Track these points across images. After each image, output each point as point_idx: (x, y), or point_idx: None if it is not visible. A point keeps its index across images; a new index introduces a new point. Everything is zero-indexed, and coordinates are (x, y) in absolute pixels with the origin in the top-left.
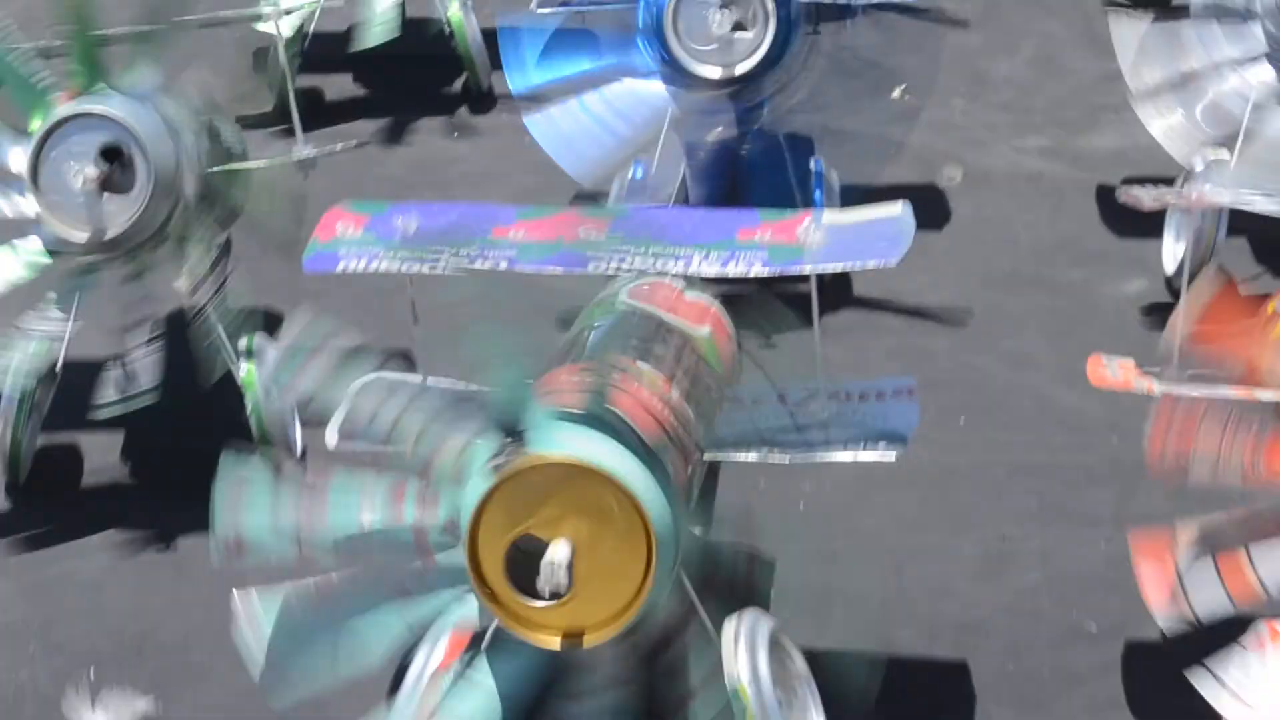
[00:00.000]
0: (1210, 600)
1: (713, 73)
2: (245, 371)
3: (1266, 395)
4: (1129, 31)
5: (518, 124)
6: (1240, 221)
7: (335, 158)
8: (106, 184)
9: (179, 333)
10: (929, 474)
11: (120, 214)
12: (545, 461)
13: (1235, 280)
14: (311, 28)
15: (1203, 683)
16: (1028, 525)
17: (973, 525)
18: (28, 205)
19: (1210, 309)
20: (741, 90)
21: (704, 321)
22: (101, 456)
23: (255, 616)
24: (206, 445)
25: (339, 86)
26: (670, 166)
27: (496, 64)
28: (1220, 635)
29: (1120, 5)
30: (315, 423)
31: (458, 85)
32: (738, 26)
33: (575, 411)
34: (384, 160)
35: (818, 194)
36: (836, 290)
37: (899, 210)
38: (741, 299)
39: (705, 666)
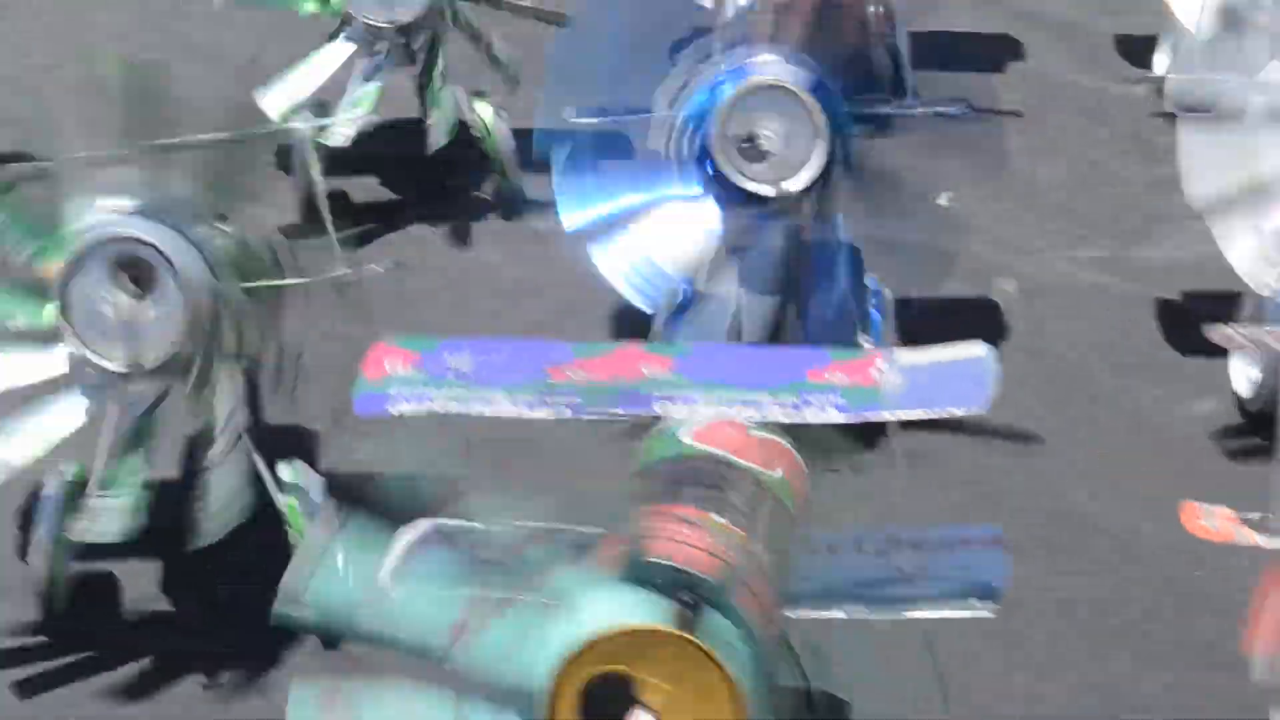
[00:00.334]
0: None
1: (765, 190)
2: (287, 505)
3: None
4: (1195, 138)
5: (550, 230)
6: None
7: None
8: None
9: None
10: (1010, 611)
11: (162, 339)
12: (637, 630)
13: None
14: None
15: None
16: (1121, 668)
17: (1062, 668)
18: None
19: None
20: (793, 204)
21: (776, 462)
22: (137, 589)
23: None
24: (249, 578)
25: (365, 188)
26: (720, 283)
27: (526, 166)
28: None
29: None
30: None
31: (486, 189)
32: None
33: (658, 580)
34: (419, 273)
35: (874, 311)
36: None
37: (980, 351)
38: (802, 428)
39: None
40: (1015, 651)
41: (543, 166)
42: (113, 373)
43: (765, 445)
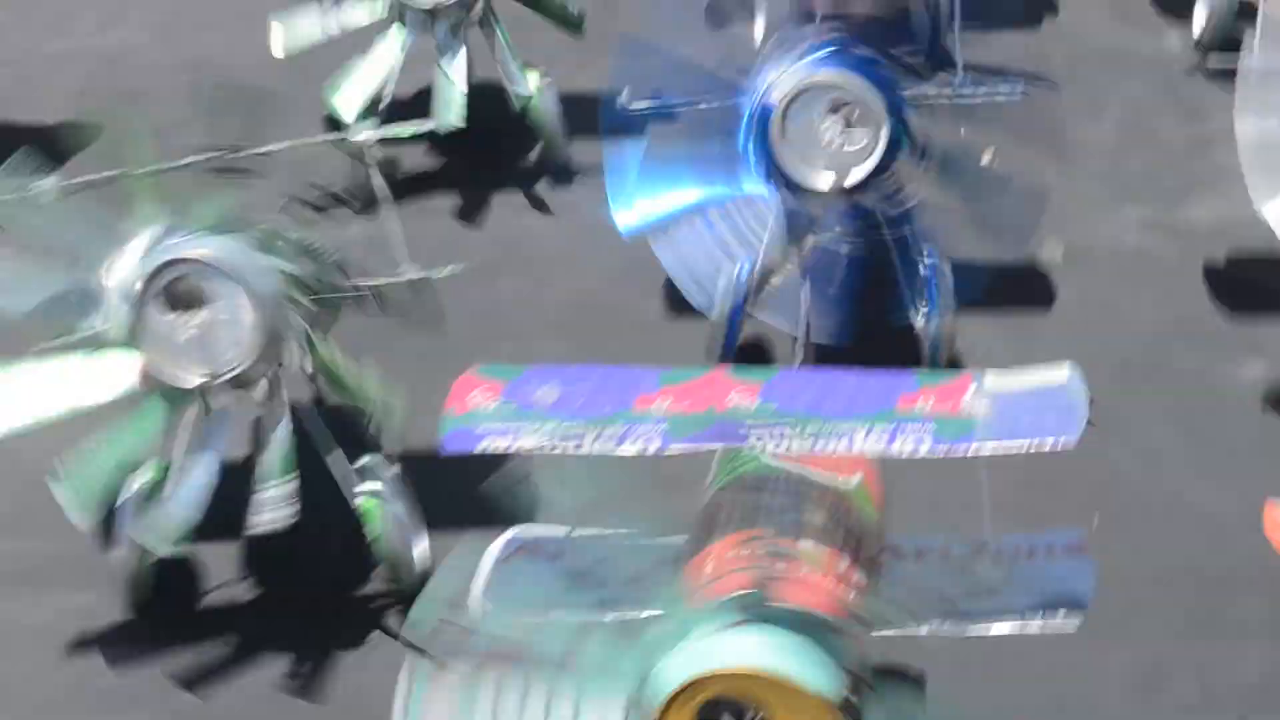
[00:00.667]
0: None
1: (824, 182)
2: (363, 500)
3: None
4: (1251, 129)
5: (596, 198)
6: None
7: (421, 239)
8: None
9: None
10: None
11: (232, 353)
12: (746, 674)
13: None
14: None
15: None
16: (1177, 638)
17: (1120, 639)
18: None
19: None
20: (854, 196)
21: (854, 470)
22: (219, 574)
23: None
24: (326, 566)
25: (414, 159)
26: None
27: (571, 135)
28: None
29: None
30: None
31: (532, 158)
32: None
33: (768, 622)
34: (468, 242)
35: (932, 292)
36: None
37: (1066, 375)
38: None
39: None
40: None
41: (587, 136)
42: (185, 388)
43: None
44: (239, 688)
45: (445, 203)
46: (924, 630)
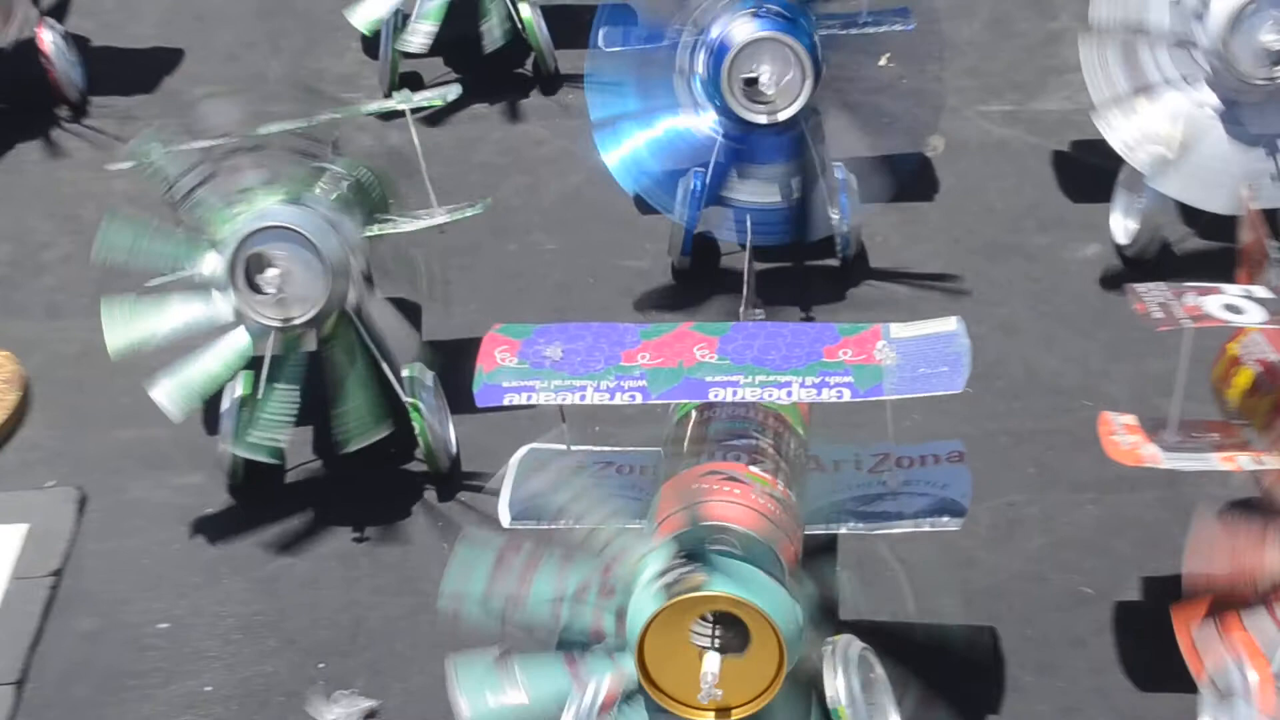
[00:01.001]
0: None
1: (761, 119)
2: (410, 404)
3: (1250, 463)
4: (1094, 52)
5: (581, 103)
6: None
7: (439, 148)
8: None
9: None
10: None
11: (307, 303)
12: (708, 596)
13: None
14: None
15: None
16: (1029, 492)
17: (985, 494)
18: (225, 305)
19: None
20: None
21: None
22: (297, 457)
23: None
24: (381, 452)
25: (432, 69)
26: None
27: (558, 45)
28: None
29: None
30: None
31: (528, 66)
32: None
33: (725, 549)
34: (480, 146)
35: (843, 198)
36: (857, 265)
37: (954, 326)
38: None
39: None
40: None
41: (571, 49)
42: (263, 324)
43: None
44: (315, 553)
45: (460, 113)
46: (841, 529)
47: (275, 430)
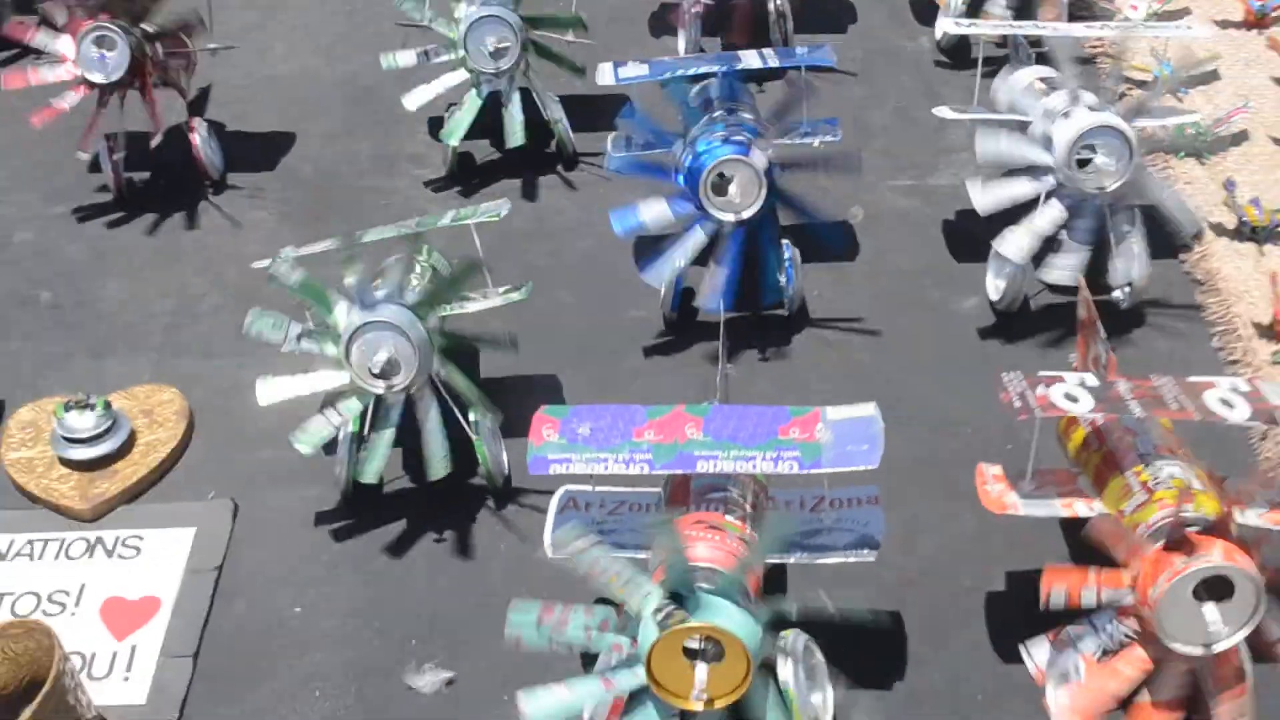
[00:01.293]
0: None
1: (729, 217)
2: (475, 440)
3: (1085, 509)
4: (987, 140)
5: (594, 180)
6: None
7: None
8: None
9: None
10: None
11: (403, 376)
12: (693, 627)
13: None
14: None
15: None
16: (929, 503)
17: (895, 504)
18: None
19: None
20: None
21: None
22: (392, 477)
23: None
24: (456, 474)
25: (480, 148)
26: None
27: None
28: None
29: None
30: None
31: (552, 146)
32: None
33: (707, 587)
34: (514, 216)
35: (789, 270)
36: (800, 316)
37: (872, 411)
38: None
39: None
40: None
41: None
42: (372, 394)
43: None
44: (405, 552)
45: (499, 191)
46: (790, 560)
47: (377, 460)
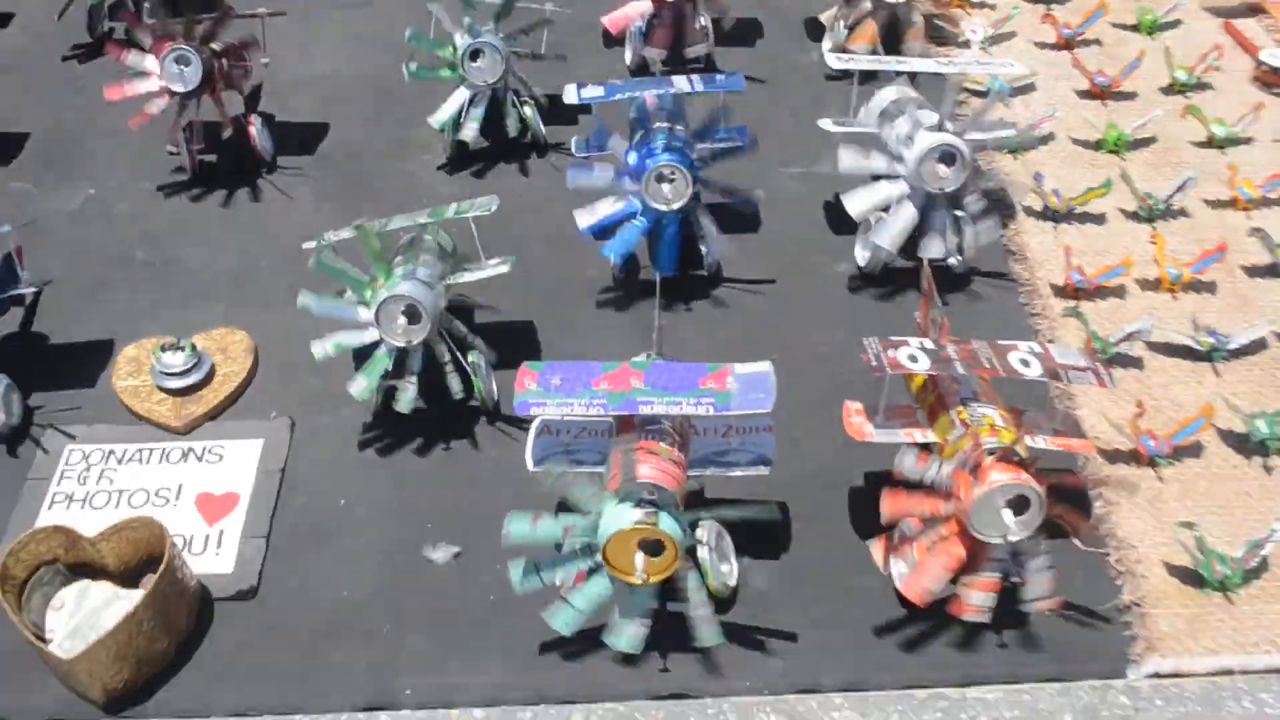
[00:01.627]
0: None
1: (665, 205)
2: (472, 370)
3: (919, 436)
4: (846, 154)
5: (564, 165)
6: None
7: (480, 193)
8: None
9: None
10: None
11: (420, 333)
12: (640, 528)
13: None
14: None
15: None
16: (810, 426)
17: (784, 428)
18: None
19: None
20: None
21: None
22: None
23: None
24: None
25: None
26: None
27: (547, 125)
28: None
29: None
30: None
31: (528, 138)
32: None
33: (629, 495)
34: (503, 193)
35: (710, 243)
36: (717, 276)
37: (768, 367)
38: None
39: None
40: None
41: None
42: (399, 346)
43: None
44: (423, 457)
45: (490, 172)
46: (705, 473)
47: (408, 395)
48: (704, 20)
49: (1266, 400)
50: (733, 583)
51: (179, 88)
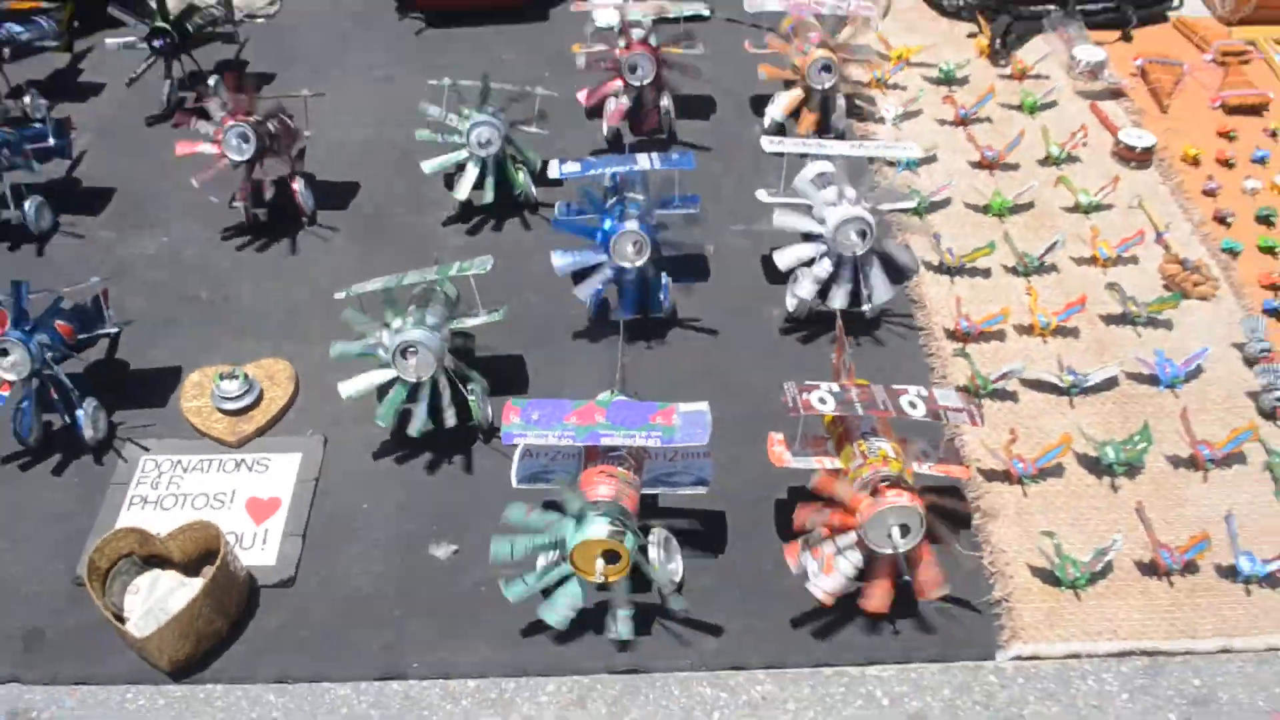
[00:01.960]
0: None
1: (628, 264)
2: (472, 401)
3: (828, 464)
4: (779, 215)
5: (545, 219)
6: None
7: (478, 244)
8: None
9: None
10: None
11: (426, 371)
12: (598, 539)
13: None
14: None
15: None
16: (742, 450)
17: (722, 450)
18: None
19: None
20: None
21: None
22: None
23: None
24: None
25: (475, 199)
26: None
27: (536, 184)
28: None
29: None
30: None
31: (518, 196)
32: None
33: (608, 513)
34: (499, 241)
35: (664, 290)
36: (672, 319)
37: (705, 407)
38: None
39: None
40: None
41: (543, 188)
42: (410, 381)
43: None
44: (430, 468)
45: (489, 226)
46: (654, 491)
47: (419, 422)
48: (665, 102)
49: (1115, 430)
50: (678, 579)
51: (237, 157)
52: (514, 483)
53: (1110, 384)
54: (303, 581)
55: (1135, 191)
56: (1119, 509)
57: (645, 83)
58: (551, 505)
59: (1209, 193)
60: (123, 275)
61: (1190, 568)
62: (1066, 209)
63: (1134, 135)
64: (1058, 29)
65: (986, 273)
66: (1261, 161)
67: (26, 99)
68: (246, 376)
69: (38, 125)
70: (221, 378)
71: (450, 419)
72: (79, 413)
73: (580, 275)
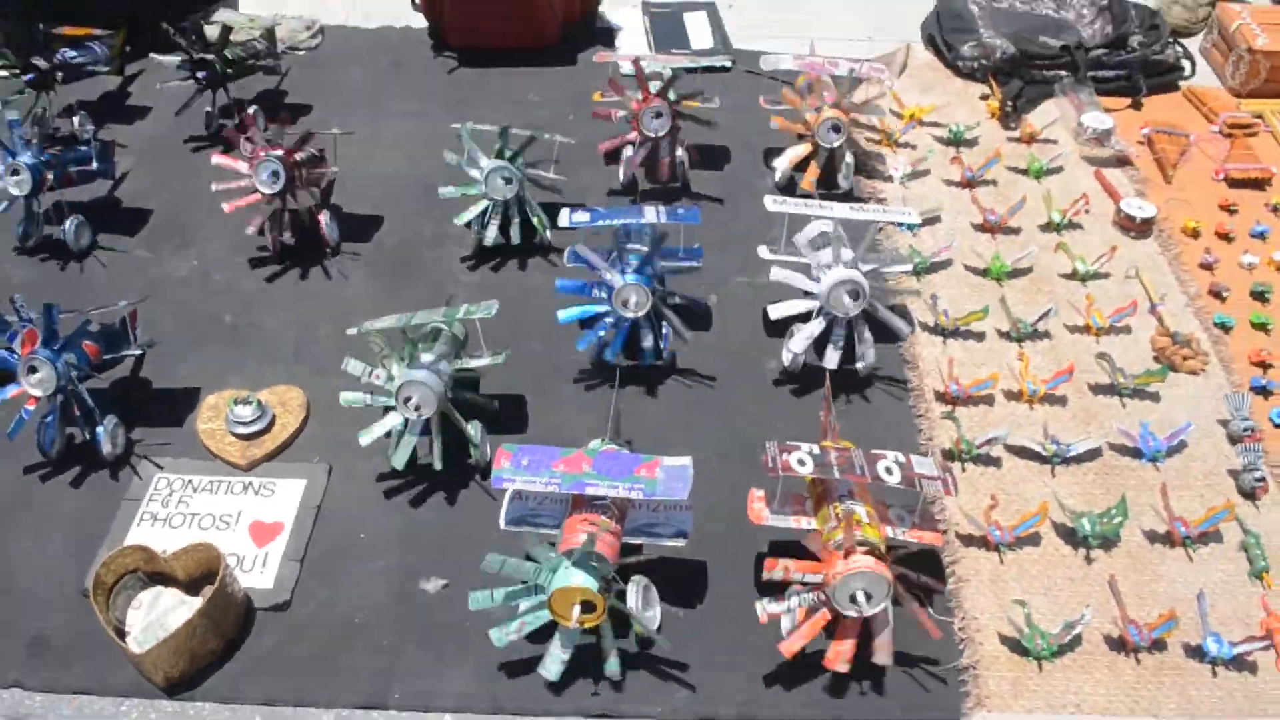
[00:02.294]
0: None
1: (631, 313)
2: (471, 441)
3: (805, 523)
4: (777, 270)
5: (559, 267)
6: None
7: (488, 285)
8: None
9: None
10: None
11: (428, 410)
12: (575, 588)
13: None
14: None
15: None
16: (725, 499)
17: (705, 495)
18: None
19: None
20: (639, 313)
21: None
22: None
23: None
24: (460, 459)
25: (492, 239)
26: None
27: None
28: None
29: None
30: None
31: (534, 240)
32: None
33: (586, 562)
34: (509, 284)
35: (666, 338)
36: (672, 366)
37: (688, 460)
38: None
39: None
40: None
41: (559, 230)
42: (412, 419)
43: None
44: (428, 502)
45: (500, 266)
46: (636, 541)
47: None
48: (681, 153)
49: (1094, 501)
50: (654, 626)
51: (267, 190)
52: (502, 524)
53: (1093, 454)
54: (297, 606)
55: (1134, 261)
56: (1092, 581)
57: (660, 135)
58: (529, 557)
59: (1206, 266)
60: (154, 295)
61: (1158, 645)
62: (1064, 275)
63: (1135, 205)
64: (1068, 94)
65: (980, 336)
66: (1261, 236)
67: (75, 120)
68: (260, 403)
69: (82, 149)
70: (236, 403)
71: (439, 464)
72: (99, 429)
73: (582, 325)
